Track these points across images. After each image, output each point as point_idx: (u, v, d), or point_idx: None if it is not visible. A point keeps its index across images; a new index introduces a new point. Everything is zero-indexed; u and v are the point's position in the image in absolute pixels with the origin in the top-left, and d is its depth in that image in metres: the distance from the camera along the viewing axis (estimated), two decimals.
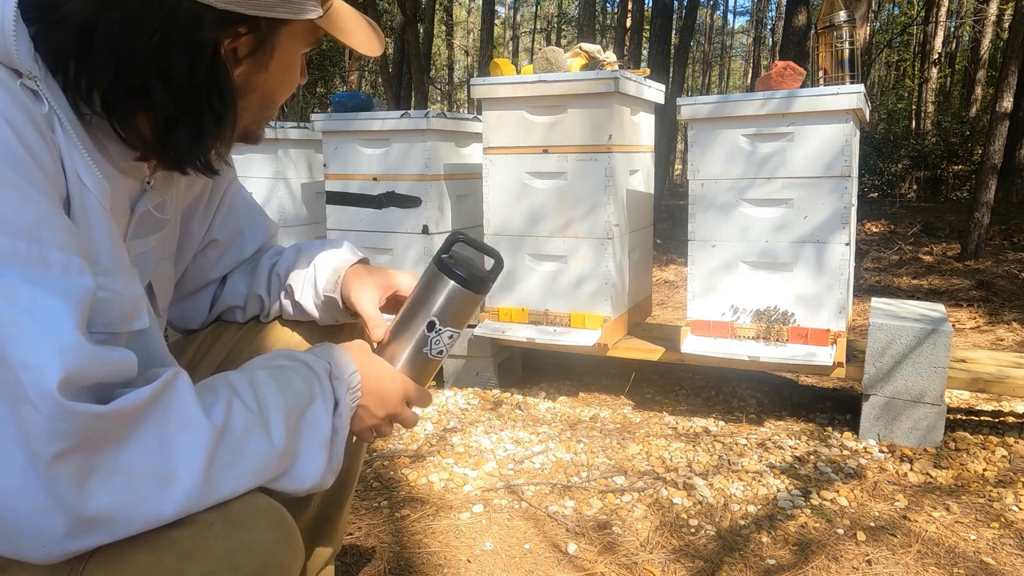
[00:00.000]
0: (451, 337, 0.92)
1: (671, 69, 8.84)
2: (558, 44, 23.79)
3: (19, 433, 0.57)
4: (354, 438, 0.87)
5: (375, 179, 2.76)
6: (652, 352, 2.45)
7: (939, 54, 14.44)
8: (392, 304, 1.02)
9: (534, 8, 32.11)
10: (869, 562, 1.54)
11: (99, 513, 0.60)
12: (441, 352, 0.93)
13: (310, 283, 1.04)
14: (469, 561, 1.55)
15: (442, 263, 0.92)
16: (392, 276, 1.03)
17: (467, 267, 0.92)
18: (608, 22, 21.61)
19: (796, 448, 2.12)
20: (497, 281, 0.97)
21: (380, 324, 0.96)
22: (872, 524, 1.69)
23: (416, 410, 0.95)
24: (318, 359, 0.82)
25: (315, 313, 1.05)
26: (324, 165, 2.85)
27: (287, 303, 1.06)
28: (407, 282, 1.01)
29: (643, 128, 2.69)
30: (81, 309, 0.62)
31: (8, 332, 0.57)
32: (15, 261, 0.59)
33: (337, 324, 1.09)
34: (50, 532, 0.58)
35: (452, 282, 0.91)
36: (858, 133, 2.37)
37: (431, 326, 0.90)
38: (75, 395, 0.58)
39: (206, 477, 0.65)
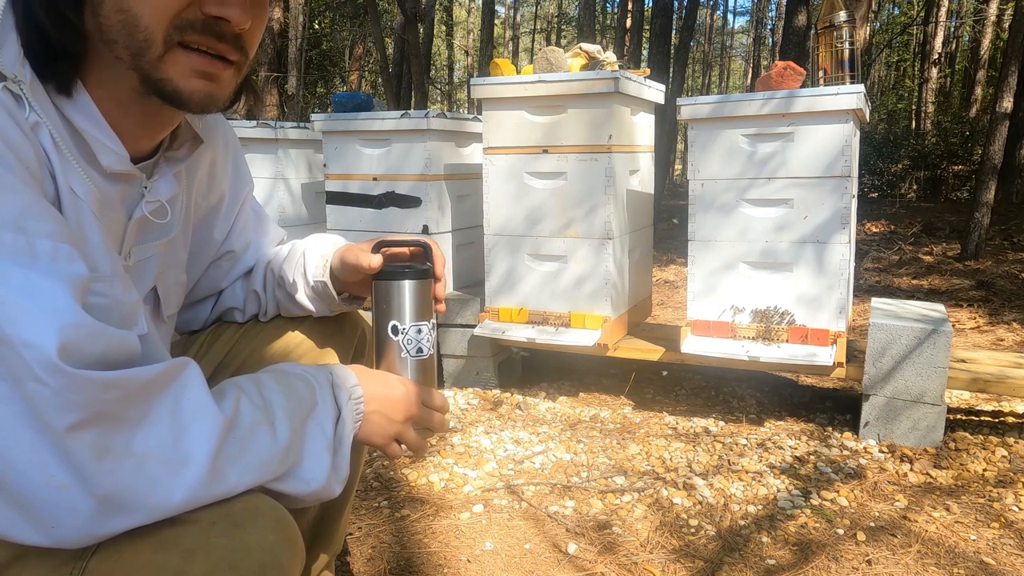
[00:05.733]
0: (419, 332, 0.94)
1: (671, 69, 8.84)
2: (558, 44, 23.79)
3: (25, 411, 0.56)
4: (376, 453, 0.87)
5: (375, 179, 2.76)
6: (652, 352, 2.45)
7: (939, 54, 14.44)
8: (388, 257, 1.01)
9: (534, 8, 32.10)
10: (869, 562, 1.54)
11: (116, 491, 0.60)
12: (420, 350, 0.94)
13: (300, 272, 1.04)
14: (469, 561, 1.55)
15: (376, 272, 0.96)
16: (380, 238, 1.03)
17: (398, 263, 0.97)
18: (608, 22, 21.60)
19: (796, 448, 2.12)
20: (439, 265, 0.99)
21: (373, 256, 0.95)
22: (872, 524, 1.69)
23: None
24: (319, 371, 0.82)
25: (308, 304, 1.04)
26: (324, 165, 2.85)
27: (281, 295, 1.06)
28: (397, 238, 1.02)
29: (643, 128, 2.69)
30: (76, 289, 0.61)
31: (6, 312, 0.56)
32: (2, 250, 0.58)
33: (334, 318, 1.09)
34: (73, 507, 0.58)
35: (390, 281, 0.94)
36: (858, 133, 2.37)
37: (395, 330, 0.93)
38: (80, 365, 0.58)
39: (213, 467, 0.65)
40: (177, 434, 0.64)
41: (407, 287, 0.93)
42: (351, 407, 0.81)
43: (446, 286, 1.09)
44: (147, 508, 0.61)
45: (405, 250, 1.02)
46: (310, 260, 1.04)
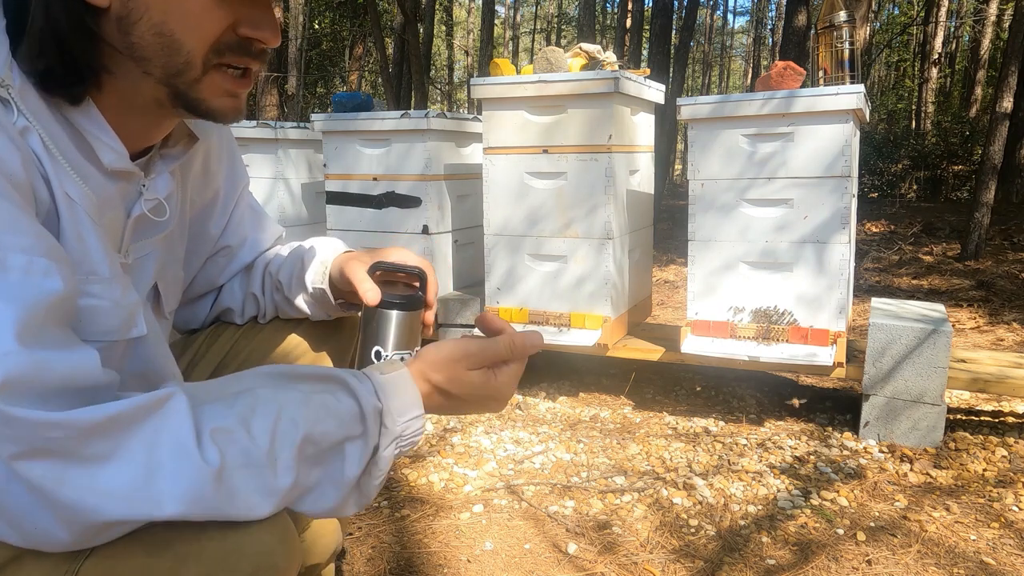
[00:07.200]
0: (404, 360, 0.92)
1: (671, 69, 8.84)
2: (558, 44, 23.79)
3: None
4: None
5: (375, 179, 2.76)
6: (652, 352, 2.45)
7: (939, 54, 14.45)
8: (381, 282, 0.99)
9: (534, 8, 32.11)
10: (869, 562, 1.54)
11: (84, 518, 0.59)
12: None
13: (298, 278, 1.03)
14: (469, 561, 1.55)
15: None
16: (380, 250, 1.01)
17: (391, 289, 0.96)
18: (608, 22, 21.61)
19: (796, 448, 2.12)
20: (432, 293, 0.97)
21: (371, 288, 0.93)
22: (872, 524, 1.69)
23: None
24: (369, 396, 0.73)
25: (305, 309, 1.04)
26: (324, 165, 2.85)
27: (279, 299, 1.06)
28: (397, 253, 1.00)
29: (643, 128, 2.69)
30: (33, 313, 0.58)
31: None
32: None
33: (331, 320, 1.09)
34: (48, 530, 0.58)
35: (380, 310, 0.93)
36: (858, 133, 2.37)
37: (378, 356, 0.93)
38: (23, 399, 0.56)
39: (191, 511, 0.61)
40: (150, 476, 0.60)
41: (394, 317, 0.93)
42: (392, 448, 0.73)
43: (441, 291, 1.08)
44: (126, 525, 0.61)
45: (401, 274, 1.00)
46: (309, 266, 1.03)
